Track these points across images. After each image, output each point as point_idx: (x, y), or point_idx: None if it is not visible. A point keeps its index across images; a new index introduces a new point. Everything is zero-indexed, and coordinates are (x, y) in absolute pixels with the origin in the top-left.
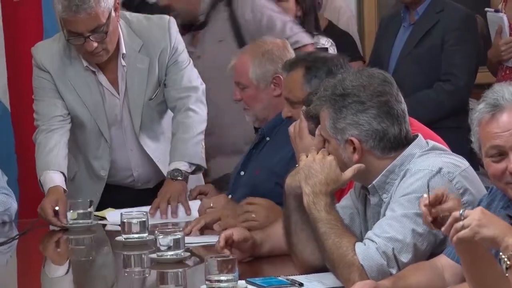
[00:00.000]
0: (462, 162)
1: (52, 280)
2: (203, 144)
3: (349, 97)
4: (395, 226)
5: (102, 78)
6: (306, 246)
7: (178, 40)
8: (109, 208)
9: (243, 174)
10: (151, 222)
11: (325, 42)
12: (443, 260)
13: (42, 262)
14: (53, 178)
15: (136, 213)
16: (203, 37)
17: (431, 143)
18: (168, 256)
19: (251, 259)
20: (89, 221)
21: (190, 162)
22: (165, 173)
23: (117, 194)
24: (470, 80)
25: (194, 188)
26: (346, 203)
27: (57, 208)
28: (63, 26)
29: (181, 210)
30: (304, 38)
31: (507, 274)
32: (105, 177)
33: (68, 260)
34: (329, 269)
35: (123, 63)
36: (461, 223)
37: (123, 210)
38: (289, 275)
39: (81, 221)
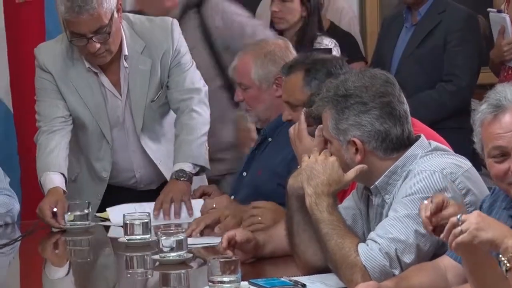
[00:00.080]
0: (464, 163)
1: (53, 281)
2: (207, 145)
3: (351, 98)
4: (397, 227)
5: (104, 79)
6: (308, 247)
7: (180, 42)
8: (108, 209)
9: (245, 175)
10: (154, 223)
11: (328, 42)
12: (446, 261)
13: (44, 264)
14: (53, 179)
15: (138, 215)
16: None
17: (434, 143)
18: (171, 257)
19: (254, 260)
20: (87, 222)
21: (194, 163)
22: (166, 175)
23: (120, 196)
24: (472, 81)
25: (197, 188)
26: (349, 204)
27: (55, 209)
28: (65, 27)
29: (183, 211)
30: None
31: (507, 276)
32: (107, 179)
33: (68, 262)
34: (331, 270)
35: (126, 64)
36: (459, 228)
37: (124, 206)
38: (292, 276)
39: (78, 222)
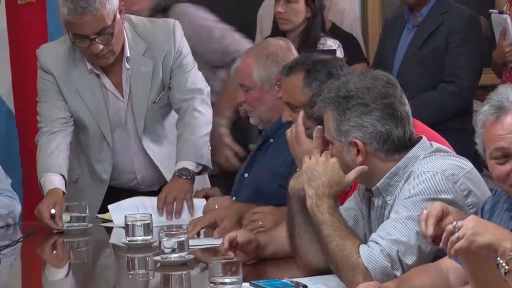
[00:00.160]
0: (466, 164)
1: (54, 282)
2: (209, 145)
3: (353, 99)
4: (399, 228)
5: (106, 81)
6: (309, 248)
7: (182, 43)
8: (109, 206)
9: (247, 176)
10: (155, 224)
11: (332, 43)
12: (447, 262)
13: (45, 265)
14: (53, 180)
15: (140, 216)
16: None
17: (435, 145)
18: (172, 259)
19: (255, 262)
20: (85, 224)
21: (197, 162)
22: (167, 177)
23: (121, 197)
24: (474, 82)
25: (200, 190)
26: (350, 205)
27: (53, 211)
28: (68, 29)
29: (185, 211)
30: (244, 44)
31: (506, 279)
32: (107, 180)
33: (68, 263)
34: (333, 271)
35: (128, 66)
36: (456, 235)
37: (125, 201)
38: (293, 277)
39: (76, 223)
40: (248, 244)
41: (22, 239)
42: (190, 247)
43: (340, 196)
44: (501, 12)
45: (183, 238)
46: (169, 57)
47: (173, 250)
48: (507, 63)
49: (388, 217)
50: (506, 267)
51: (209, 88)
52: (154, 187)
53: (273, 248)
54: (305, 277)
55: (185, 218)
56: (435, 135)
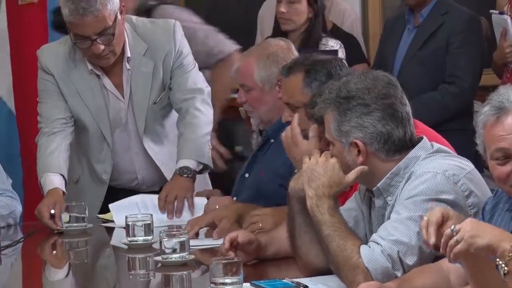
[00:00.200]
0: (467, 165)
1: (54, 283)
2: (210, 144)
3: (353, 99)
4: (400, 229)
5: (106, 81)
6: (310, 249)
7: (183, 43)
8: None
9: (248, 176)
10: (156, 225)
11: (334, 44)
12: (448, 263)
13: (45, 265)
14: (53, 180)
15: (141, 216)
16: None
17: (436, 145)
18: (173, 259)
19: (256, 262)
20: (84, 224)
21: (198, 161)
22: (168, 177)
23: (122, 198)
24: (474, 82)
25: (201, 192)
26: (351, 205)
27: (53, 211)
28: (69, 29)
29: (185, 210)
30: (228, 46)
31: (505, 280)
32: (107, 181)
33: (68, 264)
34: (333, 272)
35: (128, 66)
36: (454, 238)
37: (126, 200)
38: (294, 278)
39: (75, 224)
40: (249, 244)
41: (22, 239)
42: (191, 247)
43: (341, 196)
44: (501, 13)
45: (184, 239)
46: (170, 58)
47: (174, 251)
48: (507, 63)
49: (388, 218)
50: (506, 268)
51: (209, 88)
52: (155, 187)
53: (274, 248)
54: (306, 277)
55: (185, 217)
56: (436, 135)
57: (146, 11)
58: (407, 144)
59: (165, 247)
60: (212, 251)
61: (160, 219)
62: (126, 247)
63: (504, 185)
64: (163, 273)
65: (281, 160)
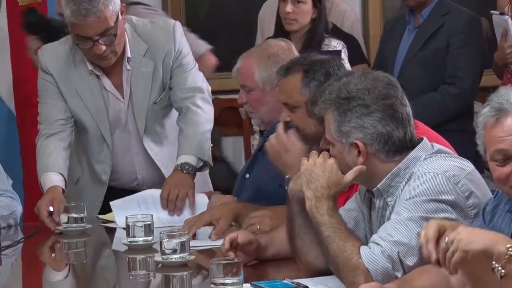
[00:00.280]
0: (467, 165)
1: (54, 283)
2: (210, 142)
3: (353, 100)
4: (400, 230)
5: (106, 82)
6: (310, 250)
7: (182, 43)
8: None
9: (248, 177)
10: (156, 225)
11: (336, 44)
12: None
13: (45, 266)
14: (52, 178)
15: (141, 216)
16: None
17: (436, 146)
18: (173, 259)
19: (256, 262)
20: (83, 225)
21: (199, 157)
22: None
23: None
24: (475, 83)
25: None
26: (351, 206)
27: (51, 208)
28: (71, 30)
29: (186, 208)
30: (200, 46)
31: (502, 282)
32: (107, 181)
33: (67, 264)
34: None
35: (128, 67)
36: (450, 250)
37: (127, 199)
38: (294, 278)
39: (74, 224)
40: (249, 245)
41: (23, 239)
42: (191, 248)
43: (342, 197)
44: (502, 13)
45: (184, 239)
46: (169, 57)
47: (174, 251)
48: (508, 64)
49: (389, 218)
50: (503, 270)
51: (209, 87)
52: (155, 187)
53: (274, 249)
54: (306, 278)
55: (186, 215)
56: (437, 136)
57: None
58: (407, 144)
59: (165, 248)
60: (213, 251)
61: (161, 220)
62: (126, 247)
63: (504, 186)
64: (163, 274)
65: None
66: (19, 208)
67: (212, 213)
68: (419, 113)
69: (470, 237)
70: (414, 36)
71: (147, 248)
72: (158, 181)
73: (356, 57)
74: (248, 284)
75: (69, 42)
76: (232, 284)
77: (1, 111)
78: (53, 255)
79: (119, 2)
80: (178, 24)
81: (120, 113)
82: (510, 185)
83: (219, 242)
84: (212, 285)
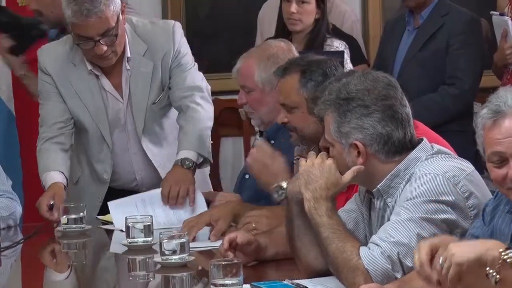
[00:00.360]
0: (467, 166)
1: (54, 284)
2: (210, 140)
3: (353, 101)
4: (400, 230)
5: (105, 82)
6: (309, 251)
7: (181, 43)
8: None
9: (248, 177)
10: (156, 226)
11: (338, 44)
12: None
13: (45, 267)
14: (54, 176)
15: (141, 217)
16: None
17: (436, 147)
18: (173, 260)
19: (256, 263)
20: (82, 225)
21: (199, 153)
22: None
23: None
24: (474, 84)
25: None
26: (351, 206)
27: (52, 202)
28: (72, 30)
29: (186, 207)
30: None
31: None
32: (108, 180)
33: (67, 265)
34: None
35: (128, 67)
36: (445, 267)
37: (125, 200)
38: (294, 279)
39: (73, 225)
40: (248, 245)
41: (22, 240)
42: (190, 249)
43: (342, 198)
44: (502, 14)
45: (184, 240)
46: (168, 57)
47: (174, 252)
48: (508, 65)
49: (388, 219)
50: (497, 276)
51: (209, 86)
52: (154, 188)
53: (274, 249)
54: (306, 278)
55: (184, 214)
56: (437, 137)
57: None
58: (407, 145)
59: (165, 249)
60: (212, 252)
61: (158, 223)
62: (124, 248)
63: (501, 188)
64: (163, 275)
65: None
66: (18, 209)
67: (211, 214)
68: (418, 113)
69: (461, 250)
70: (414, 36)
71: (147, 249)
72: (156, 182)
73: (356, 57)
74: (248, 285)
75: (69, 42)
76: (232, 285)
77: (1, 111)
78: (53, 256)
79: (120, 2)
80: (178, 25)
81: (119, 113)
82: (507, 186)
83: (219, 243)
84: (212, 286)
